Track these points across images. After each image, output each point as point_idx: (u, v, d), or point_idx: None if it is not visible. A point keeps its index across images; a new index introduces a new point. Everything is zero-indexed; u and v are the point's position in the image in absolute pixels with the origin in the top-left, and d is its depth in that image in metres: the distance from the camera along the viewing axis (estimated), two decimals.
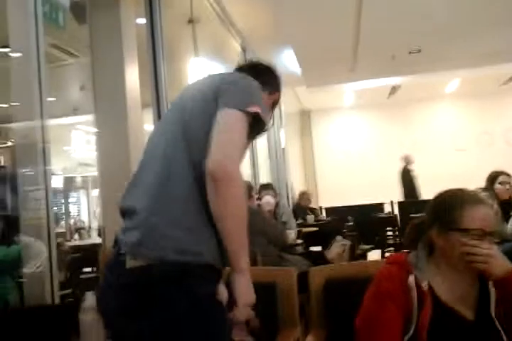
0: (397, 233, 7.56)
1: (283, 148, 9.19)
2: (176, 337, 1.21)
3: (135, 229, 1.28)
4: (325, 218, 7.86)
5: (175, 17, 5.32)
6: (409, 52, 7.83)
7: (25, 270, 2.67)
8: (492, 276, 1.40)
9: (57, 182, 11.26)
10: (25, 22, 2.79)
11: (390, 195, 9.58)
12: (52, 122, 2.91)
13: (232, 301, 1.29)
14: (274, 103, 1.64)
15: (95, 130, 3.83)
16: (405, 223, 7.49)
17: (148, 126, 4.41)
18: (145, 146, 1.46)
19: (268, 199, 4.45)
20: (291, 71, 8.24)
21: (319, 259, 3.86)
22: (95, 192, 12.25)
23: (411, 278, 1.44)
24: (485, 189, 3.98)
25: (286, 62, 7.79)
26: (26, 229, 2.70)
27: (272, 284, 2.12)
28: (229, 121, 1.30)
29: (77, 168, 12.14)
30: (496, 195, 3.95)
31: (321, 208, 9.60)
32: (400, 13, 6.13)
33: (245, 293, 1.29)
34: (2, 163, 4.58)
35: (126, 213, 1.34)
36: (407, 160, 10.48)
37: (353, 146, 13.19)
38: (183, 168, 1.30)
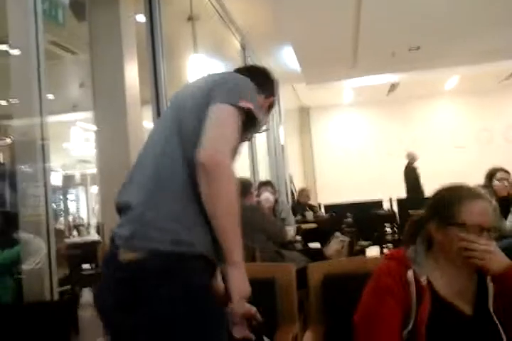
0: (395, 229, 7.57)
1: (282, 145, 9.19)
2: (172, 329, 1.22)
3: (130, 223, 1.30)
4: (324, 215, 7.87)
5: (174, 14, 5.32)
6: (409, 49, 7.83)
7: (25, 266, 2.68)
8: (490, 272, 1.41)
9: (56, 179, 11.25)
10: (24, 19, 2.79)
11: (388, 192, 9.58)
12: (51, 119, 2.91)
13: (227, 295, 1.30)
14: (270, 107, 1.65)
15: (94, 127, 3.83)
16: (404, 220, 7.51)
17: (148, 123, 4.41)
18: (144, 144, 1.47)
19: (267, 196, 4.46)
20: (290, 68, 8.25)
21: (318, 256, 3.88)
22: (94, 189, 12.25)
23: (410, 273, 1.45)
24: (483, 186, 3.99)
25: (285, 59, 7.79)
26: (25, 225, 2.70)
27: (271, 280, 2.13)
28: (220, 116, 1.31)
29: (76, 165, 12.13)
30: (494, 191, 3.96)
31: (319, 205, 9.61)
32: (399, 10, 6.13)
33: (239, 285, 1.29)
34: (1, 160, 4.57)
35: (122, 209, 1.36)
36: (412, 158, 10.45)
37: (352, 143, 13.20)
38: (177, 164, 1.32)
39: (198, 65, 5.33)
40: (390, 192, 9.60)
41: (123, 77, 3.63)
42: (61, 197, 12.29)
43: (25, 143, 2.80)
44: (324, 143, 13.43)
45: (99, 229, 7.96)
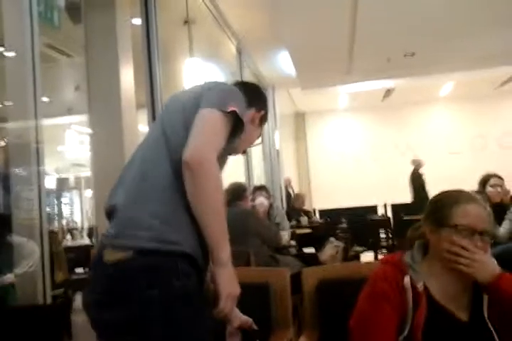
0: (390, 235, 7.58)
1: (277, 150, 9.19)
2: (146, 328, 1.22)
3: (116, 223, 1.32)
4: (318, 220, 7.87)
5: (170, 18, 5.32)
6: (404, 55, 7.85)
7: (18, 270, 2.66)
8: (477, 281, 1.41)
9: (50, 183, 11.21)
10: (20, 21, 2.78)
11: (383, 198, 9.61)
12: (46, 122, 2.90)
13: (216, 295, 1.30)
14: (262, 121, 1.67)
15: (89, 130, 3.82)
16: (398, 225, 7.52)
17: (143, 127, 4.40)
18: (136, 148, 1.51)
19: (261, 201, 4.45)
20: (286, 73, 8.26)
21: (312, 261, 3.87)
22: (88, 193, 12.21)
23: (406, 279, 1.45)
24: (477, 192, 3.99)
25: (281, 64, 7.81)
26: (19, 228, 2.69)
27: (265, 285, 2.12)
28: (207, 119, 1.34)
29: (71, 169, 12.09)
30: (488, 197, 3.97)
31: (314, 210, 9.61)
32: (395, 16, 6.16)
33: (228, 284, 1.30)
34: None
35: (110, 213, 1.37)
36: (418, 164, 10.44)
37: (347, 149, 13.22)
38: (162, 166, 1.34)
39: (194, 69, 5.33)
40: (385, 197, 9.63)
41: (118, 81, 3.63)
42: (55, 200, 12.25)
43: (19, 146, 2.79)
44: (319, 149, 13.45)
45: (91, 233, 7.94)
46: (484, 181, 4.14)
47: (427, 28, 6.64)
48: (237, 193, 3.86)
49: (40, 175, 2.71)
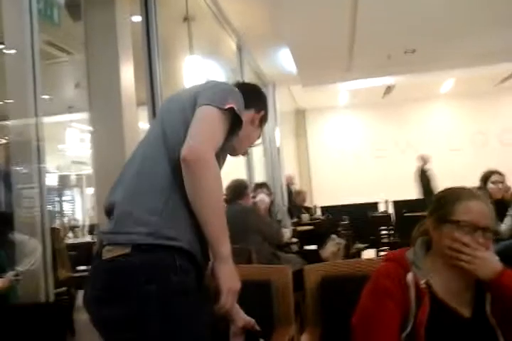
0: (391, 232, 7.58)
1: (278, 147, 9.19)
2: (143, 324, 1.23)
3: (113, 220, 1.33)
4: (320, 217, 7.88)
5: (170, 15, 5.31)
6: (405, 52, 7.83)
7: (20, 268, 2.66)
8: (478, 277, 1.41)
9: (51, 181, 11.22)
10: (19, 19, 2.78)
11: (384, 194, 9.61)
12: (46, 120, 2.90)
13: (217, 291, 1.30)
14: (262, 121, 1.68)
15: (90, 128, 3.81)
16: (400, 222, 7.52)
17: (143, 124, 4.40)
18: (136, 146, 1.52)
19: (263, 198, 4.45)
20: (287, 70, 8.25)
21: (314, 258, 3.88)
22: (89, 191, 12.22)
23: (409, 276, 1.45)
24: (478, 188, 3.99)
25: (282, 61, 7.79)
26: (20, 226, 2.69)
27: (267, 282, 2.12)
28: (205, 117, 1.36)
29: (72, 166, 12.10)
30: (489, 194, 3.96)
31: (315, 207, 9.62)
32: (395, 12, 6.14)
33: (228, 279, 1.31)
34: None
35: (109, 210, 1.38)
36: (424, 160, 10.40)
37: (347, 145, 13.21)
38: (159, 164, 1.36)
39: (194, 66, 5.32)
40: (386, 194, 9.63)
41: (119, 78, 3.62)
42: (56, 198, 12.26)
43: (20, 144, 2.79)
44: (320, 145, 13.44)
45: (93, 230, 7.95)
46: (485, 178, 4.14)
47: (428, 25, 6.63)
48: (238, 190, 3.86)
49: (41, 173, 2.71)
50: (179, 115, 1.42)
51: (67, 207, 12.96)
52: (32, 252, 2.63)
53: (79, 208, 13.20)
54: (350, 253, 5.17)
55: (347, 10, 5.88)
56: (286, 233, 4.47)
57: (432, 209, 1.53)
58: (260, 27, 6.22)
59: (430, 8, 6.05)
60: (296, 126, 13.66)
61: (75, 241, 7.16)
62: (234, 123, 1.41)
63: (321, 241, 4.57)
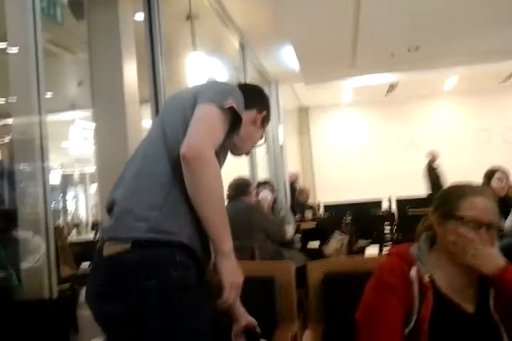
0: (394, 229, 7.57)
1: (281, 145, 9.19)
2: (144, 320, 1.24)
3: (114, 217, 1.35)
4: (323, 214, 7.88)
5: (173, 13, 5.31)
6: (408, 50, 7.81)
7: (24, 265, 2.67)
8: (482, 273, 1.41)
9: (54, 178, 11.24)
10: (23, 17, 2.78)
11: (387, 192, 9.59)
12: (50, 118, 2.91)
13: (219, 286, 1.31)
14: (264, 121, 1.68)
15: (93, 126, 3.82)
16: (403, 219, 7.52)
17: (147, 122, 4.40)
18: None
19: (266, 195, 4.45)
20: (289, 68, 8.23)
21: (317, 255, 3.88)
22: (93, 188, 12.25)
23: (413, 271, 1.45)
24: (482, 186, 3.99)
25: (284, 58, 7.78)
26: (24, 224, 2.70)
27: (270, 279, 2.13)
28: (205, 115, 1.36)
29: (75, 164, 12.13)
30: (493, 191, 3.96)
31: (318, 204, 9.61)
32: (399, 10, 6.12)
33: (231, 274, 1.32)
34: None
35: (110, 207, 1.40)
36: (433, 156, 10.34)
37: (350, 143, 13.20)
38: (160, 161, 1.37)
39: (197, 64, 5.32)
40: (389, 191, 9.62)
41: (122, 76, 3.62)
42: (60, 196, 12.29)
43: (23, 142, 2.80)
44: (323, 143, 13.43)
45: (96, 228, 7.97)
46: (489, 175, 4.13)
47: (431, 23, 6.60)
48: (241, 188, 3.86)
49: (44, 171, 2.72)
50: (179, 114, 1.42)
51: (70, 205, 12.99)
52: (36, 249, 2.64)
53: (82, 205, 13.23)
54: (353, 250, 5.17)
55: (350, 7, 5.87)
56: (290, 230, 4.47)
57: (436, 205, 1.54)
58: (263, 25, 6.21)
59: (434, 6, 6.03)
60: (299, 123, 13.65)
61: (79, 239, 7.18)
62: (234, 121, 1.42)
63: (324, 238, 4.57)
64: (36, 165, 2.70)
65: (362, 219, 6.85)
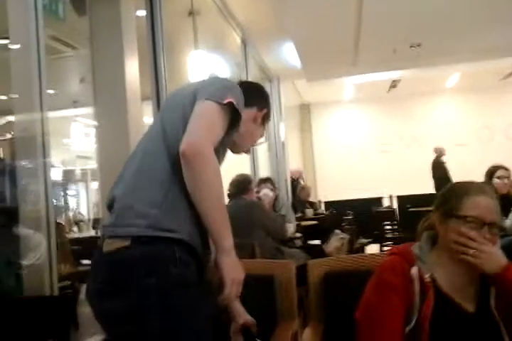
0: (395, 227, 7.58)
1: (282, 142, 9.18)
2: (144, 317, 1.24)
3: (114, 213, 1.35)
4: (324, 212, 7.88)
5: (175, 9, 5.30)
6: (410, 46, 7.80)
7: (25, 262, 2.68)
8: (484, 272, 1.41)
9: (56, 175, 11.25)
10: (25, 13, 2.78)
11: (389, 189, 9.60)
12: (51, 114, 2.90)
13: (220, 282, 1.32)
14: (264, 119, 1.69)
15: (95, 123, 3.82)
16: (404, 217, 7.52)
17: (148, 119, 4.40)
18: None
19: (266, 192, 4.45)
20: (291, 64, 8.22)
21: (317, 253, 3.88)
22: (94, 185, 12.25)
23: (414, 270, 1.45)
24: (483, 183, 3.98)
25: (286, 55, 7.77)
26: (25, 221, 2.70)
27: (271, 277, 2.13)
28: (204, 111, 1.36)
29: (77, 161, 12.12)
30: (494, 189, 3.95)
31: (319, 202, 9.62)
32: (401, 6, 6.11)
33: (232, 270, 1.32)
34: (1, 156, 4.57)
35: (110, 205, 1.40)
36: (439, 152, 10.29)
37: (352, 140, 13.18)
38: (159, 158, 1.37)
39: (199, 61, 5.31)
40: (390, 189, 9.62)
41: (123, 73, 3.62)
42: (61, 192, 12.30)
43: (25, 139, 2.79)
44: (325, 140, 13.41)
45: (96, 225, 7.97)
46: (491, 173, 4.12)
47: (434, 20, 6.59)
48: (242, 185, 3.86)
49: (46, 168, 2.72)
50: (179, 111, 1.42)
51: (72, 202, 12.99)
52: (37, 246, 2.64)
53: (84, 202, 13.23)
54: (354, 248, 5.17)
55: (352, 4, 5.86)
56: (290, 228, 4.47)
57: (438, 204, 1.53)
58: (265, 21, 6.20)
59: (436, 3, 6.01)
60: (301, 120, 13.63)
61: (80, 236, 7.18)
62: (233, 118, 1.42)
63: (325, 236, 4.58)
64: (38, 161, 2.70)
65: (363, 216, 6.86)
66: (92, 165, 10.66)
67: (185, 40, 5.67)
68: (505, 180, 4.05)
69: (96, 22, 3.75)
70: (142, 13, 4.04)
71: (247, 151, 1.69)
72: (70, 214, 11.60)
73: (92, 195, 12.80)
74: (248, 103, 1.52)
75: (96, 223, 8.26)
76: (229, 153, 1.58)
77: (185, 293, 1.28)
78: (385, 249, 6.72)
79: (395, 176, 11.67)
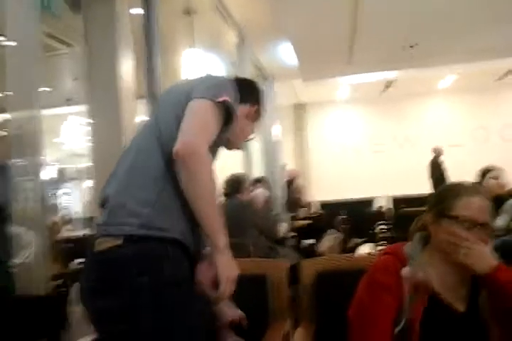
0: (389, 227, 7.58)
1: (277, 142, 9.17)
2: (136, 316, 1.24)
3: (106, 212, 1.35)
4: (318, 211, 7.89)
5: (172, 8, 5.29)
6: (406, 47, 7.82)
7: (16, 260, 2.66)
8: (475, 272, 1.41)
9: (49, 173, 11.20)
10: (20, 10, 2.76)
11: (383, 189, 9.61)
12: (45, 112, 2.89)
13: (215, 280, 1.32)
14: (257, 115, 1.68)
15: (88, 121, 3.81)
16: (397, 217, 7.53)
17: (143, 118, 4.39)
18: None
19: (260, 192, 4.46)
20: (287, 64, 8.22)
21: (311, 252, 3.89)
22: (88, 184, 12.21)
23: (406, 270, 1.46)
24: (476, 184, 3.99)
25: (282, 54, 7.76)
26: (17, 219, 2.69)
27: (263, 276, 2.13)
28: (198, 110, 1.36)
29: (70, 159, 12.07)
30: (487, 190, 3.96)
31: (313, 202, 9.62)
32: (397, 7, 6.13)
33: (227, 268, 1.33)
34: None
35: (103, 203, 1.40)
36: (438, 153, 10.34)
37: (347, 140, 13.18)
38: (152, 156, 1.37)
39: (195, 59, 5.30)
40: (385, 189, 9.63)
41: (118, 71, 3.60)
42: (54, 191, 12.24)
43: (18, 137, 2.78)
44: (319, 140, 13.41)
45: (89, 224, 7.93)
46: (483, 173, 4.14)
47: (429, 20, 6.61)
48: (236, 185, 3.86)
49: (39, 166, 2.70)
50: (173, 109, 1.42)
51: (65, 200, 12.94)
52: (28, 245, 2.63)
53: (77, 201, 13.18)
54: (347, 248, 5.18)
55: (348, 4, 5.87)
56: (284, 227, 4.48)
57: (431, 204, 1.54)
58: (261, 20, 6.19)
59: (432, 4, 6.03)
60: (296, 120, 13.63)
61: (72, 235, 7.15)
62: (227, 116, 1.42)
63: (319, 236, 4.58)
64: (31, 159, 2.69)
65: (356, 217, 6.86)
66: (86, 163, 10.62)
67: (181, 39, 5.66)
68: (498, 181, 4.07)
69: (91, 19, 3.74)
70: (138, 11, 4.02)
71: (239, 147, 1.69)
72: (63, 212, 11.56)
73: (85, 194, 12.75)
74: (241, 99, 1.52)
75: (89, 221, 8.23)
76: (222, 151, 1.58)
77: (178, 291, 1.28)
78: (378, 248, 6.72)
79: (389, 176, 11.69)
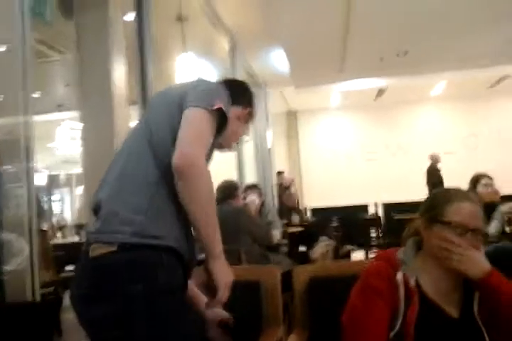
0: (381, 234, 7.60)
1: (269, 148, 9.18)
2: (129, 324, 1.23)
3: (99, 219, 1.33)
4: (310, 218, 7.89)
5: (164, 14, 5.30)
6: (397, 55, 7.87)
7: (7, 267, 2.63)
8: (468, 277, 1.42)
9: (40, 180, 11.14)
10: (11, 16, 2.75)
11: (374, 196, 9.63)
12: (36, 118, 2.87)
13: (211, 287, 1.33)
14: (249, 117, 1.69)
15: (80, 127, 3.79)
16: (389, 224, 7.55)
17: (135, 124, 4.38)
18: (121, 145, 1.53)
19: (253, 199, 4.45)
20: (279, 71, 8.25)
21: (303, 259, 3.88)
22: (79, 190, 12.15)
23: (399, 276, 1.46)
24: (469, 190, 4.01)
25: (274, 61, 7.79)
26: (8, 226, 2.66)
27: (256, 283, 2.12)
28: (194, 119, 1.36)
29: (61, 166, 12.02)
30: (478, 197, 3.98)
31: (306, 209, 9.61)
32: (389, 15, 6.17)
33: (224, 274, 1.34)
34: None
35: (96, 209, 1.39)
36: (435, 159, 10.41)
37: (339, 147, 13.23)
38: (143, 162, 1.36)
39: (187, 66, 5.31)
40: (376, 196, 9.65)
41: (110, 77, 3.60)
42: (45, 197, 12.18)
43: (9, 142, 2.76)
44: (311, 147, 13.45)
45: (81, 230, 7.89)
46: (475, 181, 4.16)
47: (420, 28, 6.66)
48: (228, 191, 3.85)
49: (30, 172, 2.68)
50: (165, 112, 1.43)
51: (56, 207, 12.87)
52: (19, 252, 2.60)
53: (68, 207, 13.12)
54: (340, 255, 5.18)
55: (340, 11, 5.91)
56: (276, 234, 4.46)
57: (423, 210, 1.55)
58: (253, 27, 6.21)
59: (423, 11, 6.08)
60: (287, 127, 13.67)
61: (64, 241, 7.11)
62: (221, 121, 1.42)
63: (311, 243, 4.57)
64: (22, 166, 2.67)
65: (348, 223, 6.87)
66: (77, 169, 10.58)
67: (174, 45, 5.67)
68: (489, 188, 4.09)
69: (83, 26, 3.74)
70: (130, 17, 4.02)
71: (231, 148, 1.69)
72: (54, 219, 11.49)
73: (76, 200, 12.69)
74: (233, 101, 1.53)
75: (80, 228, 8.18)
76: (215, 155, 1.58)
77: (172, 299, 1.28)
78: (370, 255, 6.73)
79: (381, 183, 11.73)
